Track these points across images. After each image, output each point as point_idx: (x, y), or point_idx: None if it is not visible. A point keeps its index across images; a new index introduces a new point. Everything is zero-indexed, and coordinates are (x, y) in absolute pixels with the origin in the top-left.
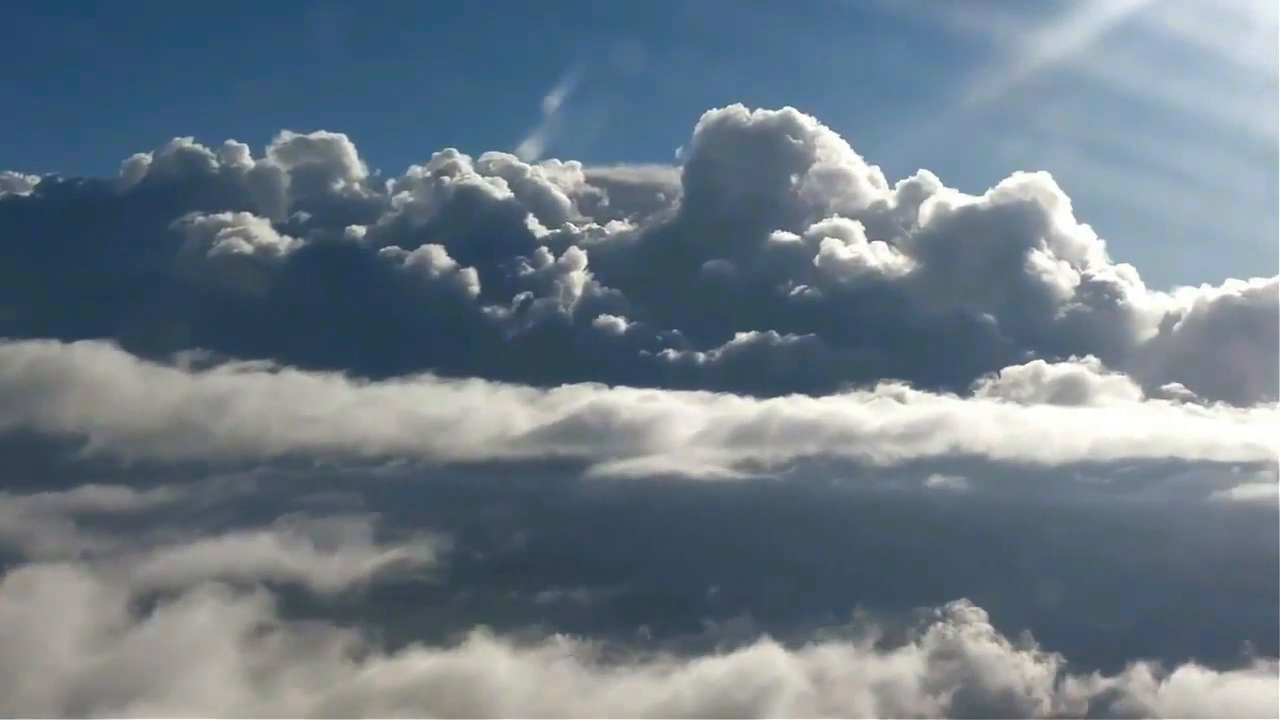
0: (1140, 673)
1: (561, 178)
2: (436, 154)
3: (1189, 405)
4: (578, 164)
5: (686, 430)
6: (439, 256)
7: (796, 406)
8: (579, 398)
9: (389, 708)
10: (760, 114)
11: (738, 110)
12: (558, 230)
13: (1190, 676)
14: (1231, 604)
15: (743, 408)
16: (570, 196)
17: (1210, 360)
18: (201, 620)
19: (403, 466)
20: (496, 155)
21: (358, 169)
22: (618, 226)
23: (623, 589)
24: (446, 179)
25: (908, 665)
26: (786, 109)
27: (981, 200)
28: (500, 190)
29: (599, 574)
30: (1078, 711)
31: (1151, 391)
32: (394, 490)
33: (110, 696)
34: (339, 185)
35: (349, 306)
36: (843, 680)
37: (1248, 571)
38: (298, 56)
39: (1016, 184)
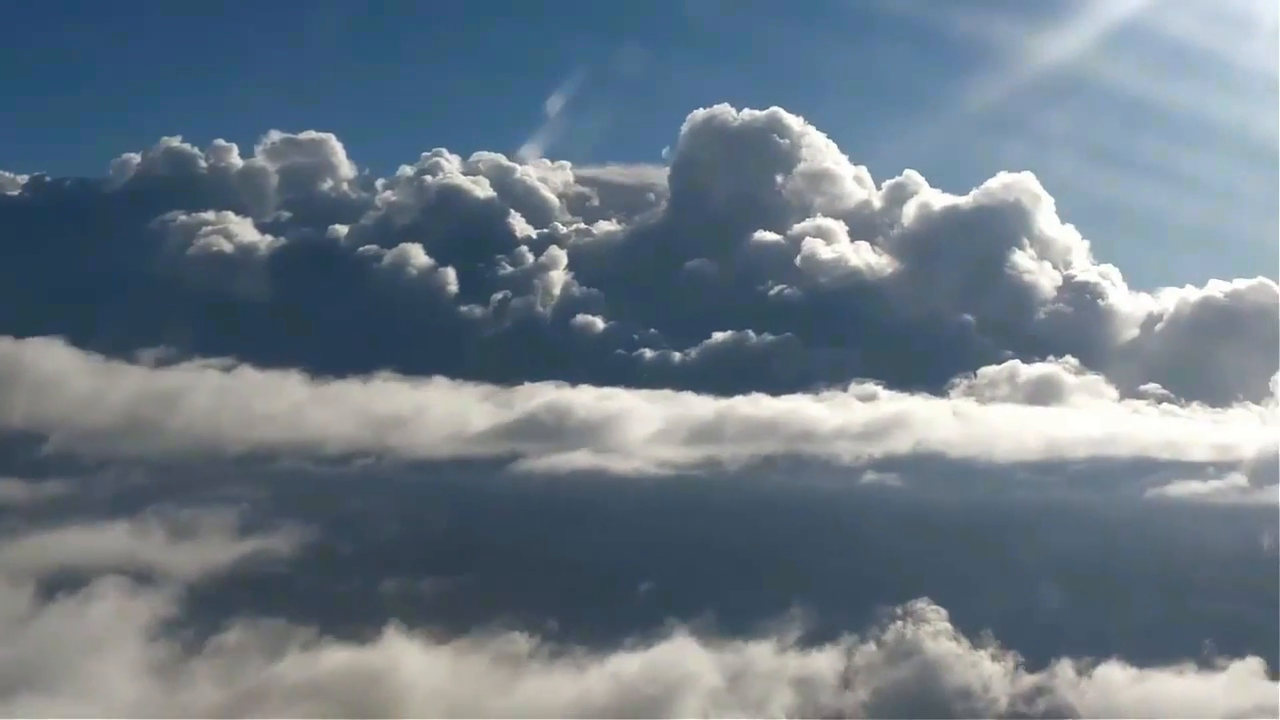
0: (1065, 668)
1: (551, 178)
2: (426, 154)
3: (1165, 405)
4: (567, 164)
5: (643, 428)
6: (417, 255)
7: (755, 405)
8: (540, 396)
9: (297, 703)
10: (747, 114)
11: (724, 110)
12: (545, 230)
13: (1112, 673)
14: (1164, 599)
15: (700, 406)
16: (560, 197)
17: (1189, 361)
18: (102, 613)
19: (340, 462)
20: (486, 155)
21: (346, 169)
22: (605, 226)
23: (538, 584)
24: (429, 178)
25: (828, 662)
26: (773, 109)
27: (964, 200)
28: (483, 190)
29: (515, 567)
30: (1033, 710)
31: (1129, 392)
32: (296, 484)
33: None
34: (327, 185)
35: (322, 305)
36: (762, 676)
37: (1186, 568)
38: (294, 57)
39: (1000, 184)
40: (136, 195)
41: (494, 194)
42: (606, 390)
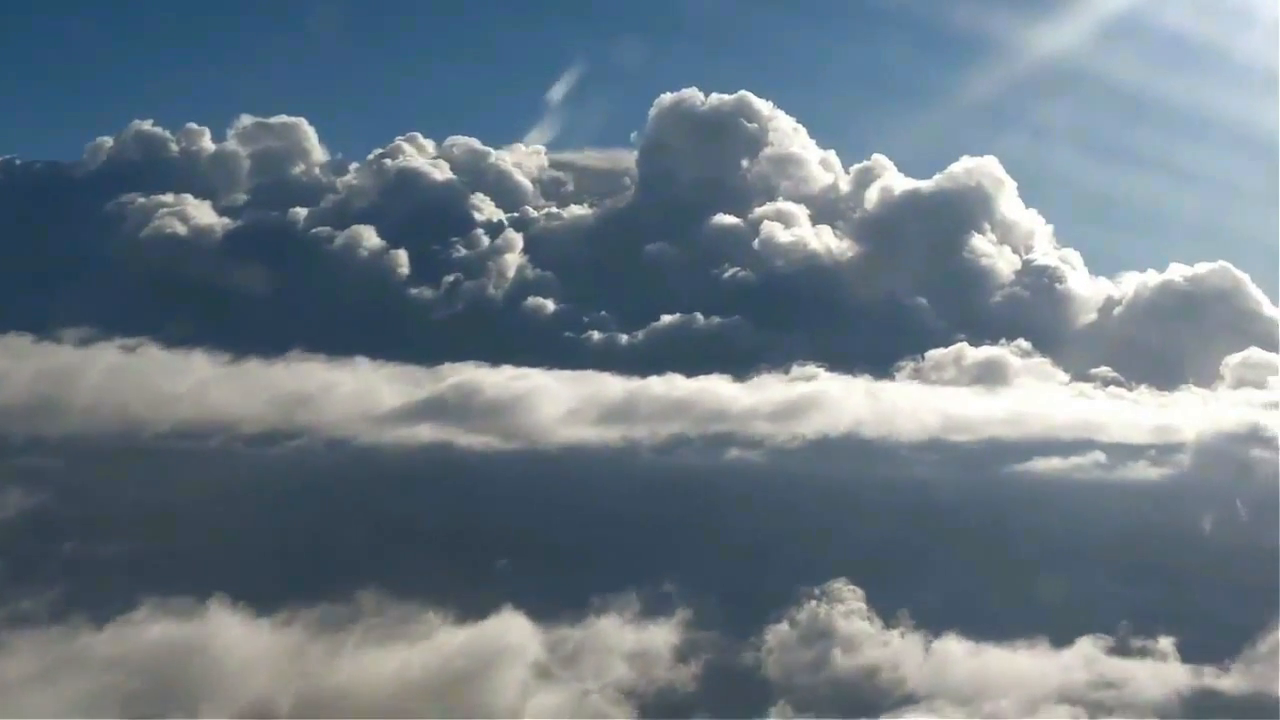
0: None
1: (526, 163)
2: (400, 138)
3: (1112, 388)
4: (542, 148)
5: (552, 408)
6: (369, 237)
7: (668, 385)
8: (455, 376)
9: (110, 673)
10: (715, 98)
11: (692, 94)
12: (515, 214)
13: (949, 646)
14: (1019, 576)
15: (614, 386)
16: (534, 181)
17: (1143, 344)
18: None
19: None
20: (460, 139)
21: (318, 153)
22: (576, 210)
23: (379, 558)
24: (389, 161)
25: (663, 636)
26: (741, 93)
27: (926, 184)
28: (442, 173)
29: (362, 541)
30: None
31: (1080, 375)
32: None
33: None
34: (298, 169)
35: (263, 286)
36: (596, 650)
37: (1047, 544)
38: (282, 40)
39: (963, 168)
40: (106, 179)
41: (454, 177)
42: (522, 370)
